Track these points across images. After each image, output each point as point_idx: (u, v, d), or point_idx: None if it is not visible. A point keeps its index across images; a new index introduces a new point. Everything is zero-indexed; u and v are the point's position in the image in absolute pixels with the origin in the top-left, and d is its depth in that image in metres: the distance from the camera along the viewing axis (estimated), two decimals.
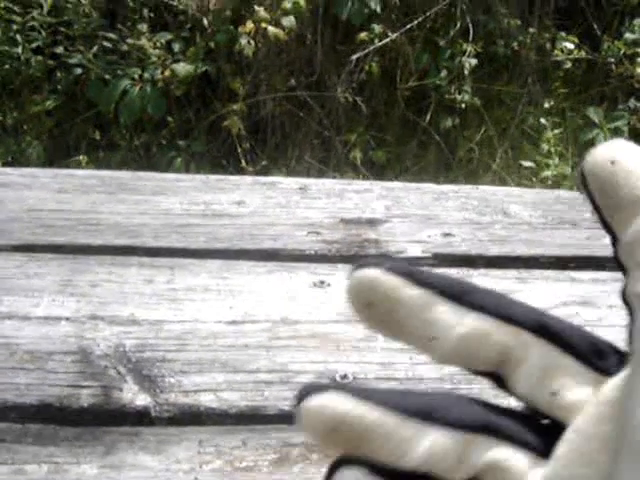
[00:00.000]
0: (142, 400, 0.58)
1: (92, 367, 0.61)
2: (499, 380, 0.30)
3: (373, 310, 0.29)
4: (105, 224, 0.86)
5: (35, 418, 0.57)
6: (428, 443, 0.27)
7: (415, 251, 0.86)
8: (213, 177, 1.03)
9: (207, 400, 0.59)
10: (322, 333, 0.69)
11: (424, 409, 0.28)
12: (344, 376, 0.63)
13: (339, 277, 0.79)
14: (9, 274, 0.75)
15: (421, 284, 0.28)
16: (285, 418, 0.59)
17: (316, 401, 0.27)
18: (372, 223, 0.93)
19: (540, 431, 0.28)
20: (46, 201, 0.91)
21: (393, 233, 0.90)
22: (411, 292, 0.28)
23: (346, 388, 0.28)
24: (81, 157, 3.01)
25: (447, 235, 0.91)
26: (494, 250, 0.90)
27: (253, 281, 0.77)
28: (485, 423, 0.28)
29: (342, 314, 0.73)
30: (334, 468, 0.28)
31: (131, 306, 0.70)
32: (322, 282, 0.78)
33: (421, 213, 0.97)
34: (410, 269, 0.29)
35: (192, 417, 0.58)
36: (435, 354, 0.29)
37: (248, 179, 1.03)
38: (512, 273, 0.86)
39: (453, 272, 0.84)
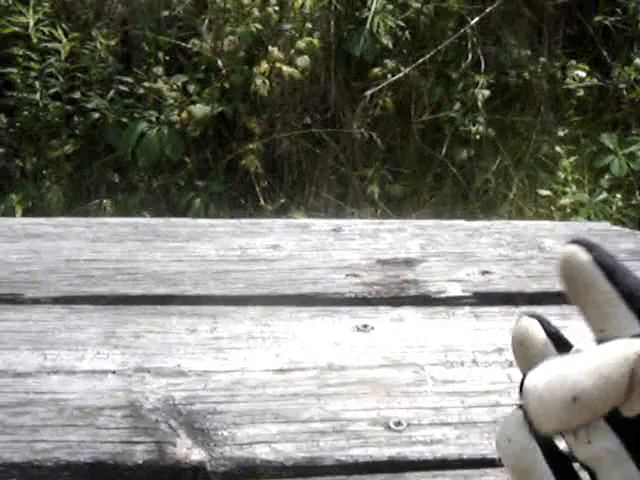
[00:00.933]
0: (197, 455, 0.57)
1: (143, 422, 0.60)
2: None
3: (570, 283, 0.34)
4: (143, 273, 0.86)
5: (89, 477, 0.56)
6: None
7: (455, 290, 0.85)
8: (246, 221, 1.03)
9: (262, 453, 0.58)
10: (371, 379, 0.69)
11: None
12: (398, 423, 0.63)
13: (382, 320, 0.79)
14: (51, 327, 0.74)
15: (613, 281, 0.33)
16: (343, 468, 0.58)
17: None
18: (409, 263, 0.92)
19: None
20: (82, 251, 0.91)
21: (431, 272, 0.90)
22: (602, 287, 0.33)
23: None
24: (105, 201, 3.03)
25: (485, 273, 0.90)
26: (534, 286, 0.89)
27: (296, 327, 0.76)
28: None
29: (388, 358, 0.72)
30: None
31: (176, 357, 0.70)
32: (365, 326, 0.77)
33: (457, 251, 0.97)
34: (611, 264, 0.34)
35: (249, 471, 0.57)
36: (601, 340, 0.33)
37: (280, 222, 1.03)
38: (554, 309, 0.85)
39: (495, 310, 0.83)
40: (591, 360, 0.32)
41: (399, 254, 0.94)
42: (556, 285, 0.91)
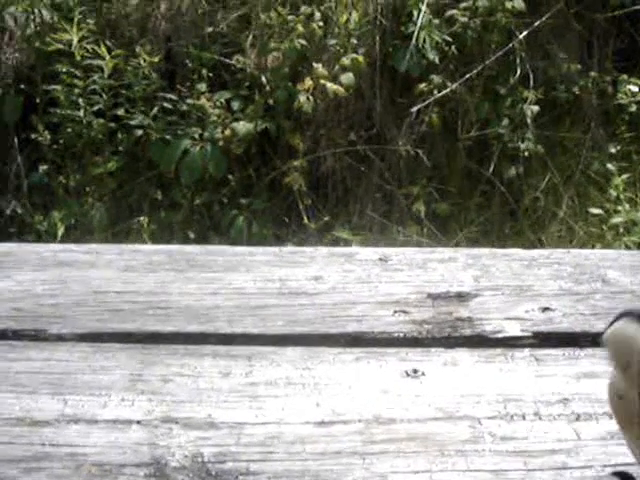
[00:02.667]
0: None
1: None
2: None
3: (630, 373, 0.28)
4: (175, 307, 0.80)
5: None
6: None
7: (513, 330, 0.78)
8: (286, 249, 0.97)
9: None
10: (422, 434, 0.62)
11: None
12: None
13: (434, 364, 0.72)
14: (74, 368, 0.69)
15: None
16: None
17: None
18: (462, 297, 0.85)
19: None
20: (112, 282, 0.86)
21: (486, 309, 0.83)
22: None
23: None
24: (142, 219, 3.00)
25: (546, 310, 0.83)
26: (599, 326, 0.81)
27: (339, 371, 0.70)
28: None
29: (441, 410, 0.65)
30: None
31: (207, 405, 0.64)
32: (415, 371, 0.70)
33: (513, 284, 0.89)
34: None
35: None
36: None
37: (323, 250, 0.97)
38: None
39: (558, 353, 0.75)
40: None
41: (451, 287, 0.87)
42: None
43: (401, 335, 0.76)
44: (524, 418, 0.64)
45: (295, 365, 0.70)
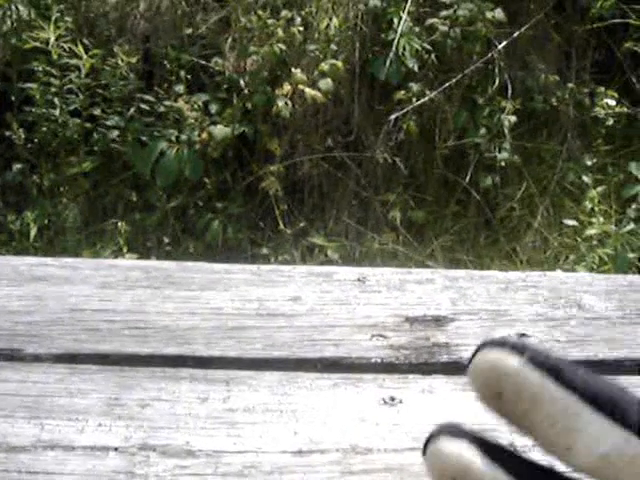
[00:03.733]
0: None
1: None
2: None
3: (506, 400, 0.26)
4: (153, 327, 0.80)
5: None
6: None
7: None
8: (265, 268, 0.97)
9: None
10: (398, 465, 0.62)
11: None
12: None
13: (411, 392, 0.72)
14: (50, 391, 0.68)
15: (565, 384, 0.25)
16: None
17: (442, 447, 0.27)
18: (439, 322, 0.85)
19: None
20: (89, 299, 0.85)
21: (464, 334, 0.83)
22: (554, 394, 0.25)
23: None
24: (120, 224, 2.98)
25: (522, 336, 0.83)
26: (574, 353, 0.82)
27: (317, 398, 0.70)
28: None
29: (418, 439, 0.65)
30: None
31: (185, 432, 0.64)
32: (393, 399, 0.70)
33: (490, 308, 0.90)
34: (553, 363, 0.25)
35: None
36: (568, 463, 0.26)
37: (302, 269, 0.97)
38: None
39: None
40: None
41: (428, 310, 0.88)
42: (598, 353, 0.84)
43: (378, 360, 0.76)
44: None
45: (273, 391, 0.70)
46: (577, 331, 0.87)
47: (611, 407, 0.25)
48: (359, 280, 0.94)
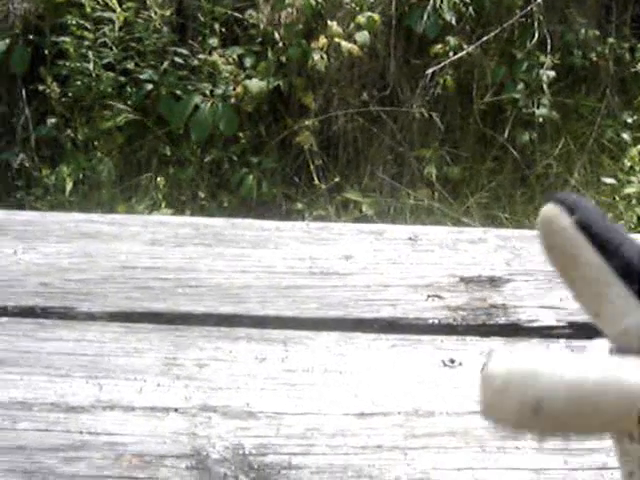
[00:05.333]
0: None
1: (210, 476, 0.54)
2: None
3: (554, 254, 0.27)
4: (206, 286, 0.79)
5: None
6: None
7: (549, 319, 0.77)
8: (314, 225, 0.95)
9: None
10: (462, 428, 0.61)
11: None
12: None
13: (470, 354, 0.71)
14: (107, 350, 0.68)
15: (605, 252, 0.26)
16: None
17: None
18: (494, 283, 0.84)
19: None
20: (139, 256, 0.85)
21: (520, 296, 0.81)
22: (590, 259, 0.26)
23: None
24: (158, 179, 2.97)
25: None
26: None
27: (375, 359, 0.68)
28: None
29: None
30: None
31: (245, 393, 0.63)
32: (452, 361, 0.69)
33: (545, 269, 0.88)
34: (599, 229, 0.26)
35: None
36: (597, 325, 0.28)
37: (352, 227, 0.95)
38: None
39: (593, 345, 0.74)
40: (587, 373, 0.25)
41: (483, 271, 0.86)
42: None
43: (436, 322, 0.75)
44: None
45: (330, 351, 0.69)
46: None
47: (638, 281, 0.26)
48: (410, 239, 0.92)
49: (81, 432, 0.57)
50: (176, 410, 0.60)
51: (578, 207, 0.27)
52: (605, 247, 0.26)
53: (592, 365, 0.25)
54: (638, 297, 0.26)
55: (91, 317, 0.73)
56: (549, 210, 0.27)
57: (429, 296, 0.79)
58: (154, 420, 0.59)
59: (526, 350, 0.26)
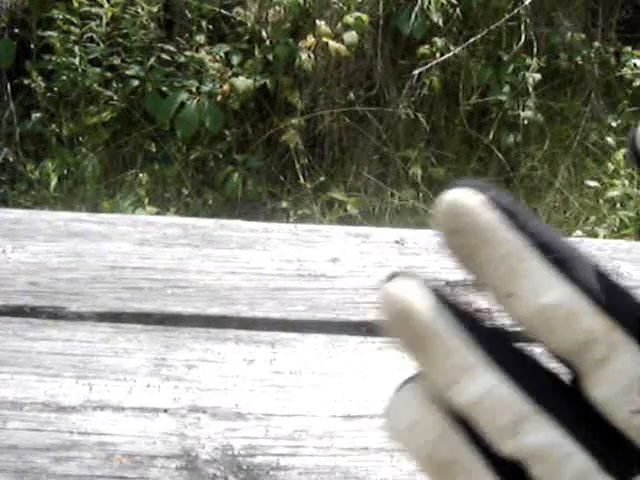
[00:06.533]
0: None
1: (200, 476, 0.54)
2: (572, 371, 0.25)
3: (457, 238, 0.26)
4: (195, 287, 0.79)
5: None
6: (484, 386, 0.25)
7: None
8: (302, 227, 0.96)
9: None
10: None
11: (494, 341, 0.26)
12: None
13: None
14: (96, 350, 0.68)
15: (518, 228, 0.24)
16: None
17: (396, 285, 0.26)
18: (479, 287, 0.85)
19: (605, 435, 0.24)
20: (128, 257, 0.85)
21: None
22: (505, 235, 0.24)
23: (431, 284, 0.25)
24: (141, 175, 2.97)
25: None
26: None
27: (362, 362, 0.69)
28: (550, 398, 0.24)
29: None
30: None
31: (233, 394, 0.64)
32: None
33: None
34: (512, 207, 0.25)
35: None
36: (507, 311, 0.26)
37: (339, 229, 0.96)
38: None
39: None
40: None
41: (468, 274, 0.87)
42: None
43: None
44: None
45: (318, 353, 0.70)
46: None
47: (561, 259, 0.24)
48: (397, 242, 0.93)
49: (72, 432, 0.58)
50: (165, 411, 0.61)
51: (486, 188, 0.26)
52: (518, 223, 0.24)
53: None
54: (557, 270, 0.24)
55: (80, 317, 0.73)
56: (455, 193, 0.25)
57: None
58: (144, 420, 0.60)
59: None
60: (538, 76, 3.26)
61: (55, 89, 3.23)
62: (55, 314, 0.73)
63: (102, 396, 0.62)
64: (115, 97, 3.21)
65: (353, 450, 0.59)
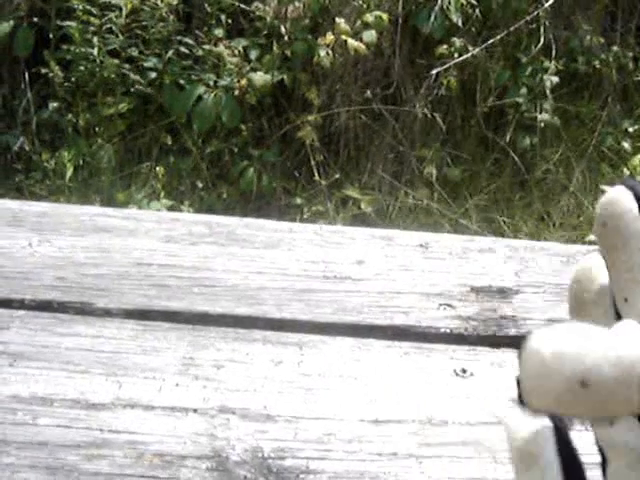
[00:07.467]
0: None
1: (230, 478, 0.55)
2: None
3: (607, 231, 0.27)
4: (222, 286, 0.79)
5: None
6: None
7: None
8: (327, 228, 0.96)
9: None
10: (474, 439, 0.62)
11: None
12: None
13: (481, 365, 0.72)
14: (125, 348, 0.69)
15: None
16: None
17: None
18: (504, 294, 0.85)
19: None
20: (154, 253, 0.85)
21: (529, 308, 0.82)
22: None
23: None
24: (157, 168, 2.97)
25: None
26: None
27: (389, 366, 0.70)
28: None
29: (491, 413, 0.65)
30: None
31: (262, 396, 0.64)
32: (464, 371, 0.70)
33: (554, 282, 0.89)
34: None
35: None
36: (622, 313, 0.27)
37: (363, 231, 0.96)
38: None
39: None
40: (617, 343, 0.24)
41: (493, 281, 0.87)
42: None
43: (448, 331, 0.76)
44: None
45: (345, 357, 0.70)
46: None
47: None
48: (421, 246, 0.93)
49: (102, 430, 0.58)
50: (195, 411, 0.61)
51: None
52: None
53: (633, 339, 0.26)
54: None
55: (108, 313, 0.74)
56: (618, 191, 0.27)
57: (440, 305, 0.80)
58: (174, 420, 0.60)
59: (567, 327, 0.26)
60: (556, 79, 3.26)
61: (73, 79, 3.23)
62: (83, 310, 0.74)
63: (132, 394, 0.63)
64: (132, 89, 3.21)
65: (382, 455, 0.59)
